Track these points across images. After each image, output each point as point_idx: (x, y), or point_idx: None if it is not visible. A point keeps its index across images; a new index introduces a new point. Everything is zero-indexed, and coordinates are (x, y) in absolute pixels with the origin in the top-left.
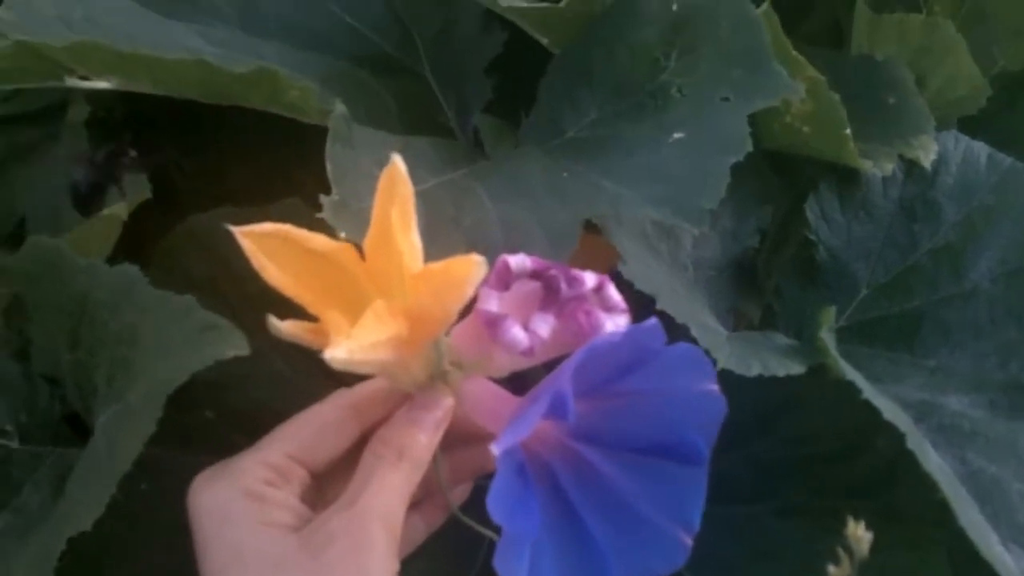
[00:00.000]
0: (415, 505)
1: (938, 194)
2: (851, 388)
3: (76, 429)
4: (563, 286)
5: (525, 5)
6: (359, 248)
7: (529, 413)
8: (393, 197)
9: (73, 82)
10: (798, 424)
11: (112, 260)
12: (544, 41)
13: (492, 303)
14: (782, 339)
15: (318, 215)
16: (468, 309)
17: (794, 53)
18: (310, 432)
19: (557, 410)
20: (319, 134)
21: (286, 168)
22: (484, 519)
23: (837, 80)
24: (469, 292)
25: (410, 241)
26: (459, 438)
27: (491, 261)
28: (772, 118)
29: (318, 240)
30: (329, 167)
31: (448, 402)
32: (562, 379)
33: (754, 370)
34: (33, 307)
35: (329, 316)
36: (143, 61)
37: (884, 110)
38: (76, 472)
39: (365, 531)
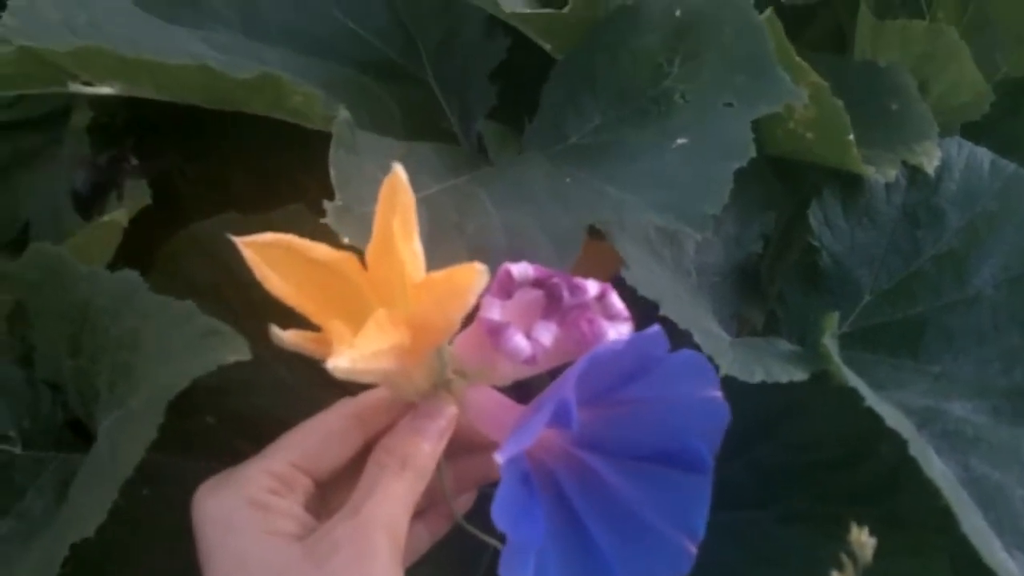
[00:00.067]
0: (419, 514)
1: (941, 200)
2: (854, 394)
3: (78, 435)
4: (565, 294)
5: (528, 11)
6: (361, 257)
7: (533, 421)
8: (395, 206)
9: (76, 87)
10: (801, 430)
11: (114, 266)
12: (547, 47)
13: (494, 311)
14: (785, 345)
15: (322, 221)
16: (471, 318)
17: (797, 59)
18: (314, 441)
19: (561, 418)
20: (322, 140)
21: (289, 174)
22: (488, 527)
23: (840, 86)
24: (471, 301)
25: (412, 250)
26: (463, 447)
27: (494, 267)
28: (775, 124)
29: (320, 250)
30: (333, 173)
31: (451, 411)
32: (565, 387)
33: (757, 376)
34: (35, 313)
35: (332, 325)
36: (146, 66)
37: (887, 116)
38: (79, 478)
39: (369, 540)
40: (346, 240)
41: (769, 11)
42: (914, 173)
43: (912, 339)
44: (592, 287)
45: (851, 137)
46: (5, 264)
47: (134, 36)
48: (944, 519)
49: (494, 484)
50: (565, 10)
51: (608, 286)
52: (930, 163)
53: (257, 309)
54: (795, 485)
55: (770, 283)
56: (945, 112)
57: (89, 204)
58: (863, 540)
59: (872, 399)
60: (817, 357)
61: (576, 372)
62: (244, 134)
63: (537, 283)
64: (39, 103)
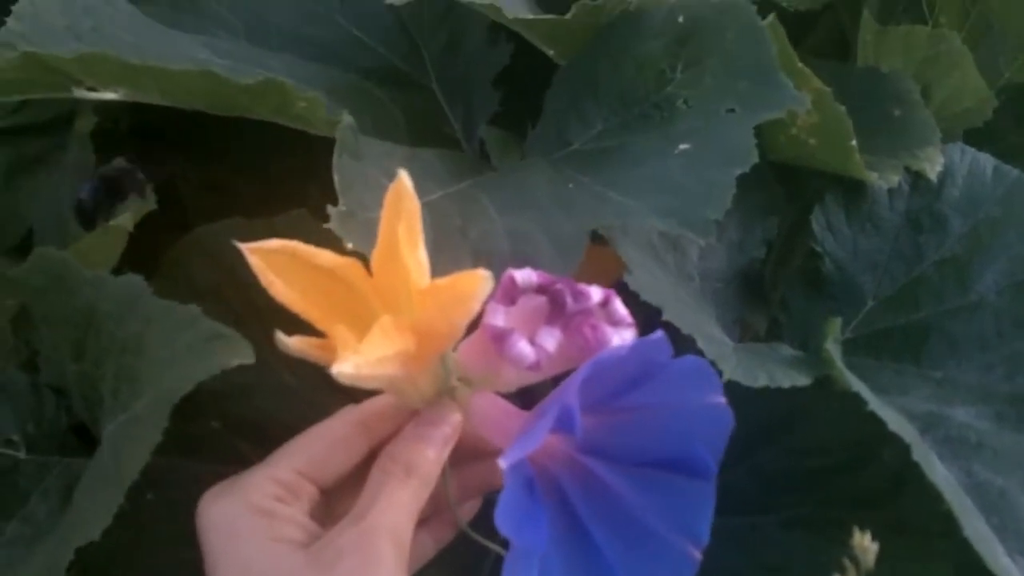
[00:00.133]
0: (424, 521)
1: (944, 206)
2: (857, 400)
3: (82, 439)
4: (569, 300)
5: (532, 17)
6: (366, 264)
7: (536, 427)
8: (400, 213)
9: (81, 93)
10: (804, 435)
11: (118, 271)
12: (550, 53)
13: (498, 318)
14: (788, 350)
15: (325, 226)
16: (475, 324)
17: (800, 65)
18: (319, 448)
19: (564, 424)
20: (326, 145)
21: (293, 179)
22: (493, 533)
23: (843, 92)
24: (475, 307)
25: (417, 257)
26: (467, 454)
27: (498, 272)
28: (778, 130)
29: (325, 256)
30: (336, 178)
31: (456, 417)
32: (568, 393)
33: (760, 381)
34: (40, 318)
35: (336, 331)
36: (151, 72)
37: (890, 122)
38: (83, 482)
39: (374, 547)
40: (350, 245)
41: (771, 17)
42: (917, 179)
43: (915, 345)
44: (596, 293)
45: (854, 143)
46: (10, 269)
47: (138, 42)
48: (947, 524)
49: (499, 491)
50: (568, 16)
51: (612, 292)
52: (933, 169)
53: (261, 313)
54: (798, 490)
55: (773, 289)
56: (948, 118)
57: (93, 217)
58: (866, 545)
59: (875, 404)
60: (820, 362)
61: (579, 378)
62: (248, 140)
63: (541, 289)
64: (43, 108)
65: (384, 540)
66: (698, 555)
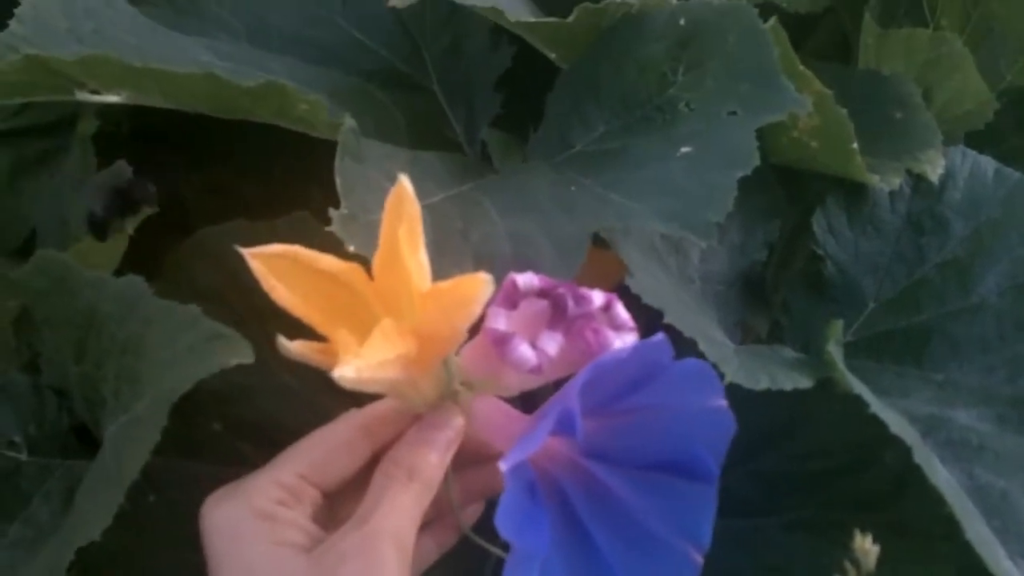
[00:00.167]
0: (426, 525)
1: (945, 208)
2: (858, 402)
3: (84, 441)
4: (571, 304)
5: (533, 20)
6: (367, 268)
7: (537, 430)
8: (401, 216)
9: (83, 96)
10: (805, 438)
11: (120, 274)
12: (552, 56)
13: (500, 322)
14: (790, 353)
15: (327, 228)
16: (477, 328)
17: (801, 68)
18: (322, 452)
19: (564, 427)
20: (328, 148)
21: (295, 182)
22: (495, 537)
23: (844, 95)
24: (477, 311)
25: (418, 260)
26: (470, 458)
27: (499, 274)
28: (779, 132)
29: (327, 260)
30: (338, 180)
31: (458, 421)
32: (569, 396)
33: (762, 384)
34: (41, 320)
35: (338, 335)
36: (153, 75)
37: (891, 125)
38: (85, 483)
39: (377, 551)
40: (351, 248)
41: (773, 20)
42: (918, 181)
43: (917, 347)
44: (597, 297)
45: (855, 145)
46: (11, 271)
47: (141, 45)
48: (949, 526)
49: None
50: (570, 19)
51: (614, 296)
52: (934, 171)
53: (262, 315)
54: (800, 492)
55: (774, 291)
56: (949, 120)
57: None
58: (867, 547)
59: (877, 406)
60: (821, 364)
61: (580, 381)
62: (250, 142)
63: (542, 293)
64: (45, 111)
65: (387, 544)
66: (700, 558)
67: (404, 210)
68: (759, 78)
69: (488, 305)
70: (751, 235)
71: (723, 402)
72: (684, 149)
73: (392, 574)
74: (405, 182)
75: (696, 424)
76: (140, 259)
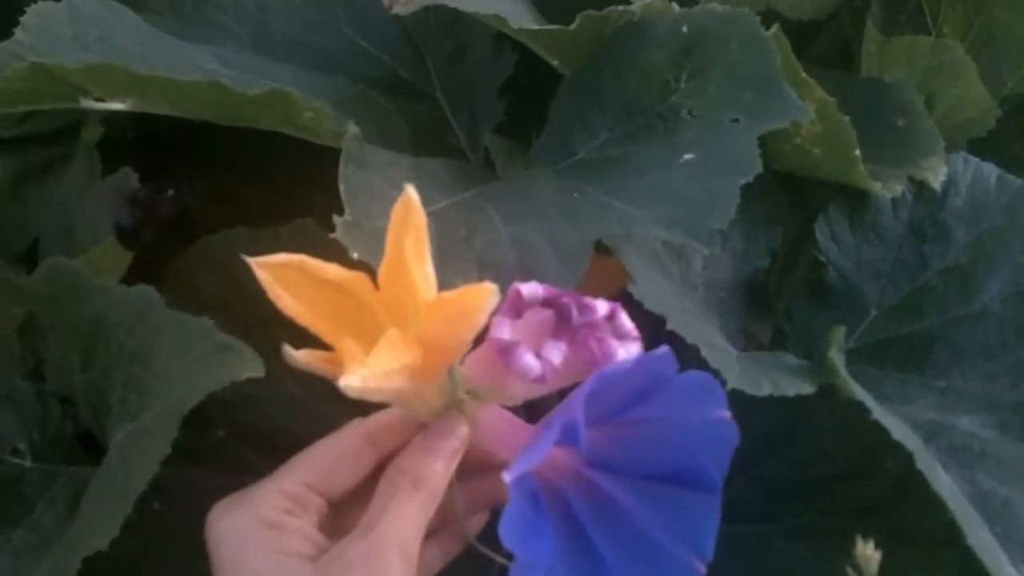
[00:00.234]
0: (431, 534)
1: (948, 215)
2: (861, 408)
3: (87, 448)
4: (575, 314)
5: (536, 27)
6: (373, 277)
7: (541, 440)
8: (407, 227)
9: (88, 103)
10: (808, 444)
11: (125, 281)
12: (555, 63)
13: (504, 331)
14: (792, 359)
15: (331, 235)
16: (482, 337)
17: (804, 75)
18: (327, 461)
19: (568, 437)
20: (332, 155)
21: (299, 189)
22: (499, 546)
23: (846, 102)
24: (482, 320)
25: (424, 270)
26: (475, 467)
27: (503, 281)
28: (782, 139)
29: (333, 270)
30: (342, 187)
31: (463, 430)
32: (573, 406)
33: (764, 390)
34: (48, 327)
35: (344, 344)
36: (158, 83)
37: (893, 132)
38: (90, 491)
39: (382, 560)
40: (355, 255)
41: (775, 27)
42: (920, 188)
43: (919, 354)
44: (602, 307)
45: (857, 153)
46: (16, 278)
47: (146, 53)
48: (951, 533)
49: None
50: (572, 26)
51: (618, 306)
52: (936, 178)
53: (267, 323)
54: (802, 499)
55: (777, 298)
56: (951, 128)
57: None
58: (869, 554)
59: (879, 412)
60: (824, 371)
61: (584, 391)
62: (254, 150)
63: (547, 303)
64: (50, 118)
65: (392, 553)
66: (703, 568)
67: (410, 220)
68: (761, 85)
69: (493, 314)
70: (753, 242)
71: (726, 413)
72: (686, 156)
73: None
74: (411, 192)
75: (700, 435)
76: (145, 266)
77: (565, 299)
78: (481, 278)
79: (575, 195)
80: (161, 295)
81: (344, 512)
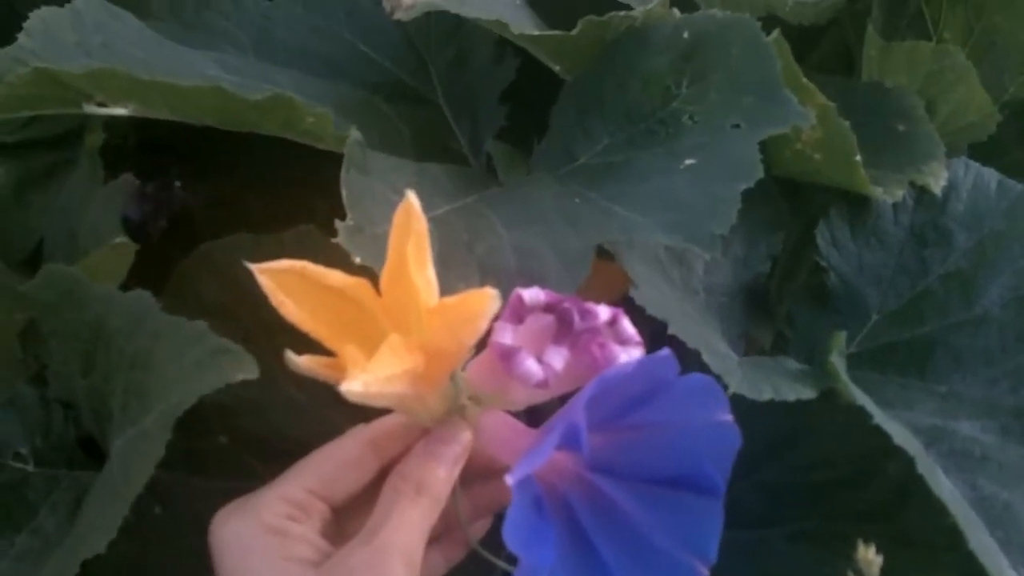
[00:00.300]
0: (434, 540)
1: (948, 220)
2: (862, 413)
3: (90, 453)
4: (576, 319)
5: (538, 33)
6: (375, 283)
7: (543, 444)
8: (408, 233)
9: (91, 109)
10: (809, 449)
11: (126, 287)
12: (556, 68)
13: (506, 336)
14: (793, 364)
15: (333, 240)
16: (484, 343)
17: (804, 80)
18: (330, 467)
19: (570, 441)
20: (334, 160)
21: (301, 194)
22: (502, 550)
23: (847, 107)
24: (483, 326)
25: (425, 276)
26: (478, 473)
27: (504, 287)
28: (783, 145)
29: (335, 276)
30: (344, 193)
31: (466, 436)
32: (575, 410)
33: (765, 394)
34: (49, 333)
35: (346, 350)
36: (160, 88)
37: (894, 137)
38: (91, 495)
39: (385, 566)
40: (357, 259)
41: (776, 33)
42: (921, 193)
43: (920, 359)
44: (603, 312)
45: (858, 158)
46: (19, 283)
47: (148, 58)
48: (952, 537)
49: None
50: (574, 32)
51: (620, 311)
52: (937, 183)
53: (269, 328)
54: (803, 504)
55: (778, 303)
56: (952, 133)
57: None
58: (870, 558)
59: (880, 417)
60: (825, 376)
61: (586, 395)
62: (256, 155)
63: (548, 308)
64: (53, 123)
65: (395, 559)
66: (706, 572)
67: (411, 226)
68: (762, 91)
69: (494, 320)
70: (755, 247)
71: (729, 417)
72: (688, 162)
73: None
74: (412, 198)
75: (702, 439)
76: (146, 272)
77: (567, 304)
78: (483, 283)
79: (576, 200)
80: (163, 301)
81: (347, 518)
